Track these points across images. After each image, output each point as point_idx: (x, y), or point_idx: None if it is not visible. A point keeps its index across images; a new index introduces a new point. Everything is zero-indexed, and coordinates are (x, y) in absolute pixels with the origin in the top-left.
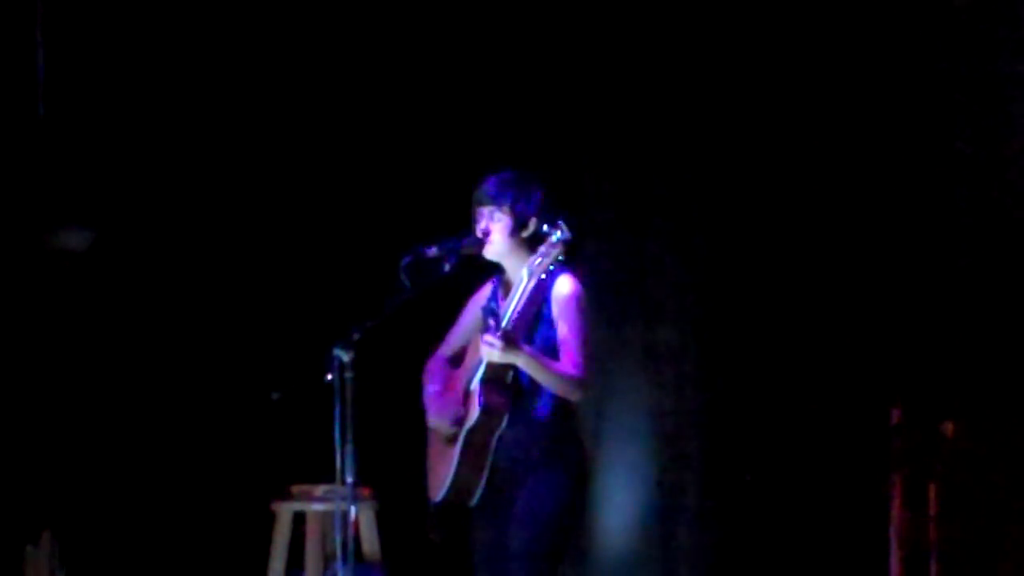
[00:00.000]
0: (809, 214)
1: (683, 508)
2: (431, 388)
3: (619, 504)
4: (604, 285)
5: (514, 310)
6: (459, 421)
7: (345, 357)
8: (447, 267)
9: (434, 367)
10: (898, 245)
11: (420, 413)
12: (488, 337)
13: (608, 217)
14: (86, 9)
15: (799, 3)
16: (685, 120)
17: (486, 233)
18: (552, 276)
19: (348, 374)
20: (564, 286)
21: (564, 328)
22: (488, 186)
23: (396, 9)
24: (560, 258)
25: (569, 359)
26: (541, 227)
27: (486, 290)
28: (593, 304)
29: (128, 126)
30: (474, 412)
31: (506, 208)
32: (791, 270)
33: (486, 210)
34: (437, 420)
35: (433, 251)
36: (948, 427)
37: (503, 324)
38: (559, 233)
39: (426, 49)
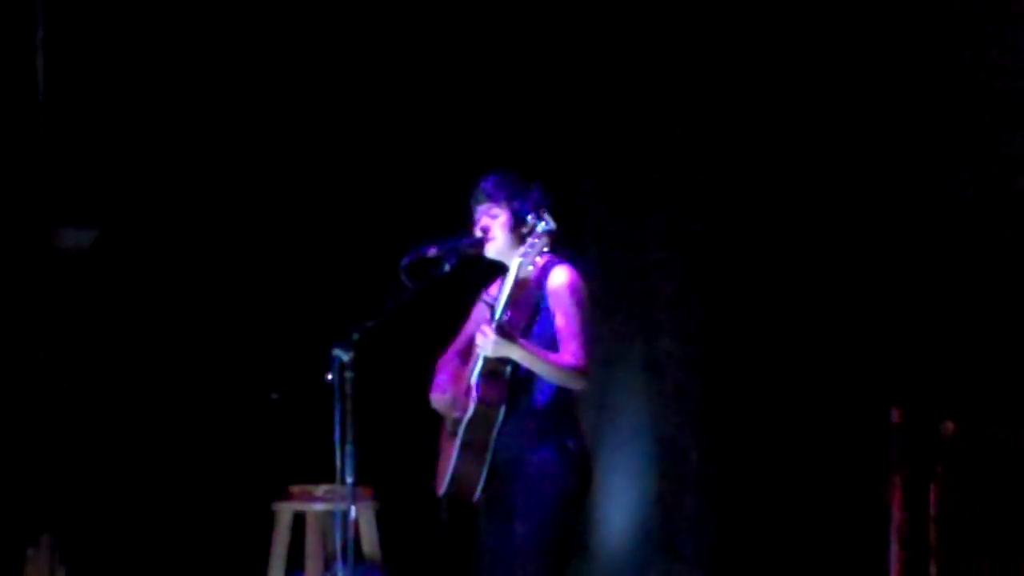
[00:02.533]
0: (809, 215)
1: (683, 508)
2: (439, 377)
3: (619, 505)
4: (605, 289)
5: (506, 303)
6: (458, 407)
7: (345, 357)
8: (447, 267)
9: (445, 361)
10: (898, 246)
11: (421, 412)
12: (483, 328)
13: (609, 222)
14: (86, 9)
15: (799, 4)
16: (686, 120)
17: (485, 231)
18: (548, 268)
19: (348, 374)
20: (559, 277)
21: (561, 318)
22: (485, 184)
23: (396, 10)
24: (545, 249)
25: (567, 349)
26: (527, 218)
27: (494, 289)
28: (591, 299)
29: (129, 125)
30: (471, 406)
31: (504, 205)
32: (791, 271)
33: (484, 208)
34: (437, 399)
35: (433, 251)
36: (948, 427)
37: (495, 317)
38: (543, 224)
39: (427, 51)
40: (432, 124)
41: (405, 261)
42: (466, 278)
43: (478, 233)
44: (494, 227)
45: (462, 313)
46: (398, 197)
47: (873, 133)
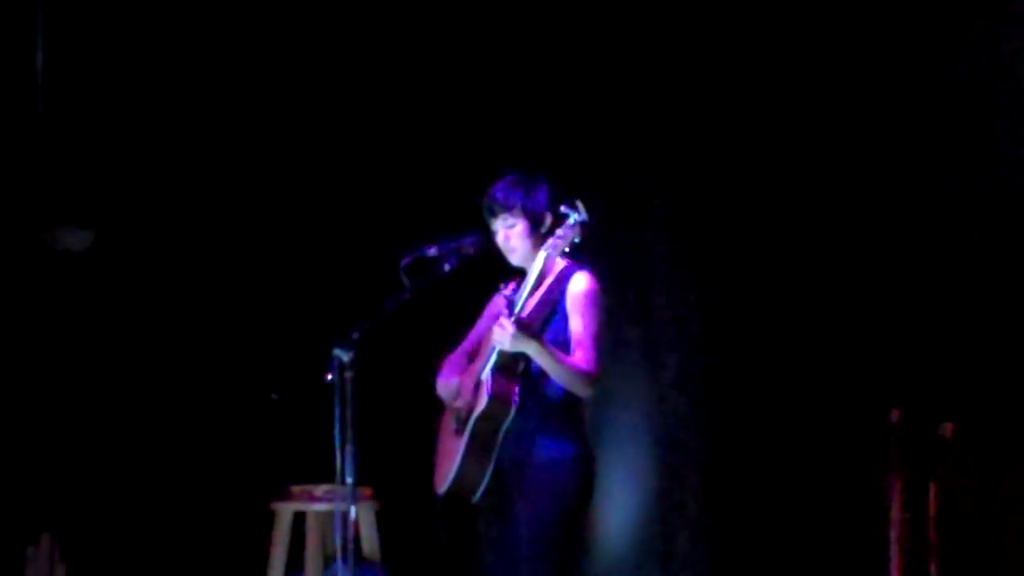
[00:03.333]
0: (809, 215)
1: (683, 508)
2: (445, 370)
3: (619, 504)
4: (604, 284)
5: (528, 295)
6: (464, 401)
7: (345, 357)
8: (447, 267)
9: (452, 359)
10: (898, 246)
11: (421, 412)
12: (501, 320)
13: (608, 216)
14: (86, 9)
15: (799, 3)
16: (686, 120)
17: (507, 240)
18: (569, 273)
19: (348, 374)
20: (580, 282)
21: (578, 323)
22: (495, 194)
23: (397, 9)
24: (576, 240)
25: (581, 354)
26: (558, 211)
27: (509, 288)
28: (607, 309)
29: (128, 125)
30: (483, 400)
31: (518, 211)
32: (791, 271)
33: (500, 220)
34: (443, 388)
35: (433, 251)
36: (948, 428)
37: (516, 310)
38: (576, 215)
39: (426, 49)
40: (432, 124)
41: (405, 261)
42: (466, 278)
43: (501, 245)
44: (513, 238)
45: (462, 313)
46: (398, 197)
47: (873, 135)
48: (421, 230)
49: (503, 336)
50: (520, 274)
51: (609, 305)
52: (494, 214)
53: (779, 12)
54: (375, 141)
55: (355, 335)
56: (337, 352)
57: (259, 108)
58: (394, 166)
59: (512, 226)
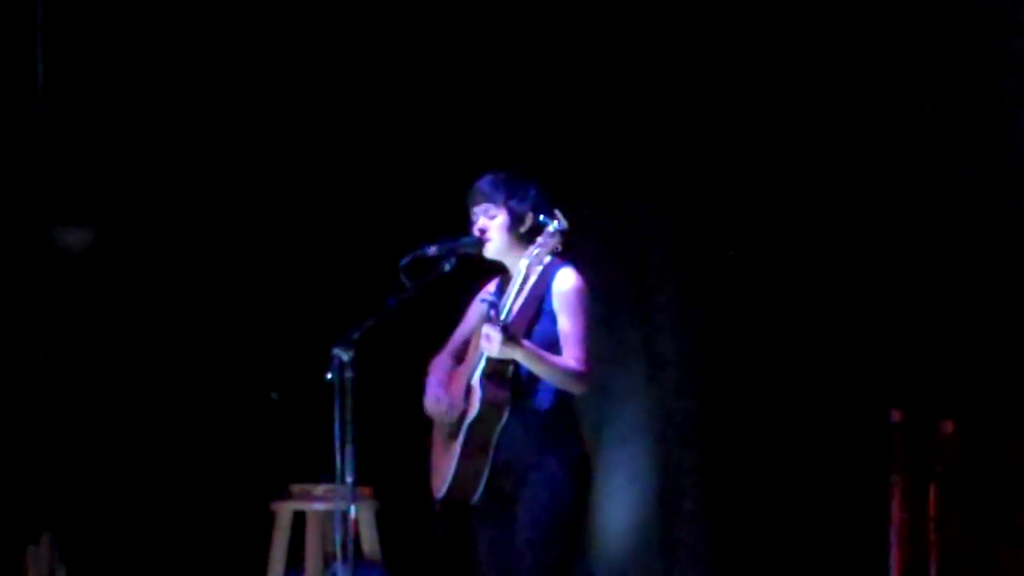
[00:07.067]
0: (809, 215)
1: (683, 509)
2: (431, 378)
3: (619, 505)
4: (604, 286)
5: (513, 303)
6: (455, 411)
7: (345, 356)
8: (447, 267)
9: (438, 362)
10: (898, 246)
11: (421, 412)
12: (487, 329)
13: (608, 218)
14: (86, 8)
15: (798, 3)
16: (685, 122)
17: (483, 231)
18: (553, 270)
19: (348, 374)
20: (566, 280)
21: (565, 322)
22: (482, 184)
23: (395, 10)
24: (558, 248)
25: (571, 353)
26: (538, 219)
27: (491, 287)
28: (593, 304)
29: (128, 124)
30: (475, 407)
31: (501, 204)
32: (791, 271)
33: (481, 208)
34: (433, 406)
35: (433, 251)
36: (948, 427)
37: (501, 317)
38: (556, 223)
39: (425, 49)
40: (432, 124)
41: (404, 261)
42: (466, 278)
43: (476, 232)
44: (492, 228)
45: (461, 313)
46: (398, 197)
47: (871, 135)
48: (421, 230)
49: (490, 344)
50: (501, 272)
51: (609, 305)
52: (476, 202)
53: (778, 13)
54: (375, 141)
55: (355, 335)
56: (337, 352)
57: (259, 107)
58: (394, 167)
59: (493, 217)
